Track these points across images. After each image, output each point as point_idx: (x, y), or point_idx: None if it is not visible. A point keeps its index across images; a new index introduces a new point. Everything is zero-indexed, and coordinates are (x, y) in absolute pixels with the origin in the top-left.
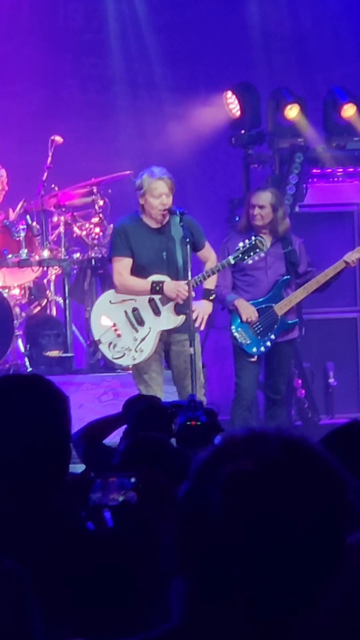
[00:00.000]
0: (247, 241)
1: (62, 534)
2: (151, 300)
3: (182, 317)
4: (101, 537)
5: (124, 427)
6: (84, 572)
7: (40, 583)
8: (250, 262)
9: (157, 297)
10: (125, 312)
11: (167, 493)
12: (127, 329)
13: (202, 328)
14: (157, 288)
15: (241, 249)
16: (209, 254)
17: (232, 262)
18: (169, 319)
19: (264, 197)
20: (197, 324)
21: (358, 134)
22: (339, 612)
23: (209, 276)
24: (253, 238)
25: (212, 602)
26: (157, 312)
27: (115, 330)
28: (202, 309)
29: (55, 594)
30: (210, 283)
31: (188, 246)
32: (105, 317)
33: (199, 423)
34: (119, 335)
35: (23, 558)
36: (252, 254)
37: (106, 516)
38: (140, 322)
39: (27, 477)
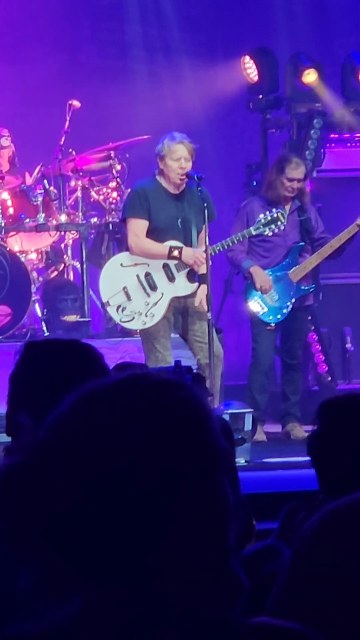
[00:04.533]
0: (268, 214)
1: None
2: (165, 266)
3: (196, 285)
4: None
5: None
6: None
7: None
8: (269, 234)
9: (172, 263)
10: (137, 275)
11: None
12: (139, 293)
13: (206, 309)
14: (176, 253)
15: (262, 220)
16: (203, 237)
17: (253, 233)
18: (185, 286)
19: (302, 170)
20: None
21: None
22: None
23: (228, 246)
24: (274, 211)
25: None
26: (171, 278)
27: (126, 293)
28: (200, 292)
29: None
30: (202, 268)
31: (206, 212)
32: (115, 279)
33: None
34: (129, 299)
35: None
36: (272, 226)
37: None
38: (153, 287)
39: None
